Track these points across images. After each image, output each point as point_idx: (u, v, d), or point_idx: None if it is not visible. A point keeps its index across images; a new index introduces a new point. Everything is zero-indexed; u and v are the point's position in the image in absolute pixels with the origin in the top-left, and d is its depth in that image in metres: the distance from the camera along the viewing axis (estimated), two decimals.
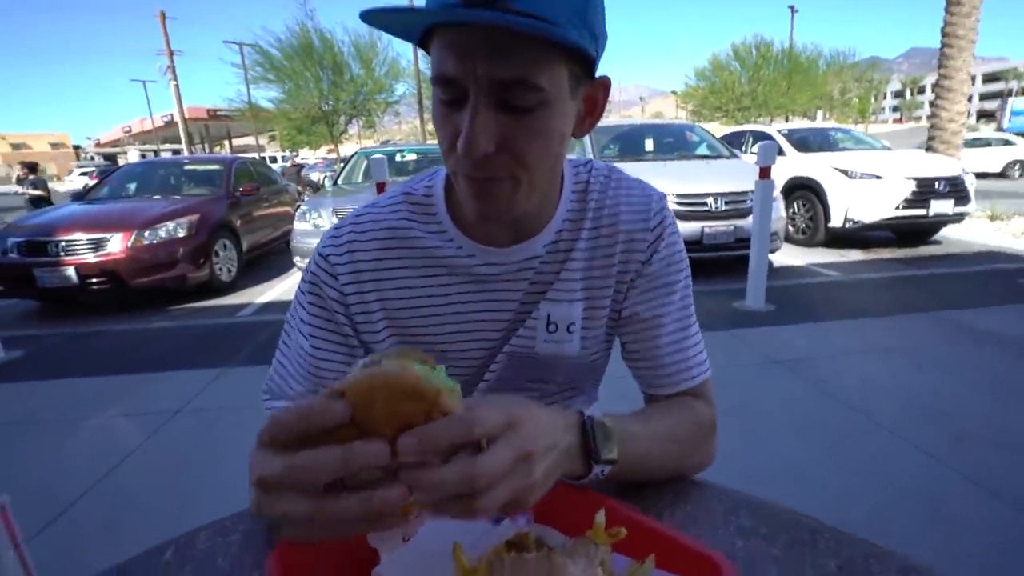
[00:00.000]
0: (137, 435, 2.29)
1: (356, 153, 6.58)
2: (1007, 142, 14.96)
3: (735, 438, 2.02)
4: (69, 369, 3.13)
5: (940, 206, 5.22)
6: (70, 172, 30.91)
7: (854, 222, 5.33)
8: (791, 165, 5.91)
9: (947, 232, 6.06)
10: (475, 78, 0.45)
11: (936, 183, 5.22)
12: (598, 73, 0.53)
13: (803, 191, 5.80)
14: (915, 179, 5.18)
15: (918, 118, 69.64)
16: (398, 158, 6.22)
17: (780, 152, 5.93)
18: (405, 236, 0.63)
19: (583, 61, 0.49)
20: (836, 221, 5.46)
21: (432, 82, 0.49)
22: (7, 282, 4.20)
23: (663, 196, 0.67)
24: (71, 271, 4.09)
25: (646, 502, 0.55)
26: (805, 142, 6.43)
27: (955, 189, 5.26)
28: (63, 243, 4.14)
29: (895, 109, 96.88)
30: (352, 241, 0.63)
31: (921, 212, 5.22)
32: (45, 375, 3.04)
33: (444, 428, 0.33)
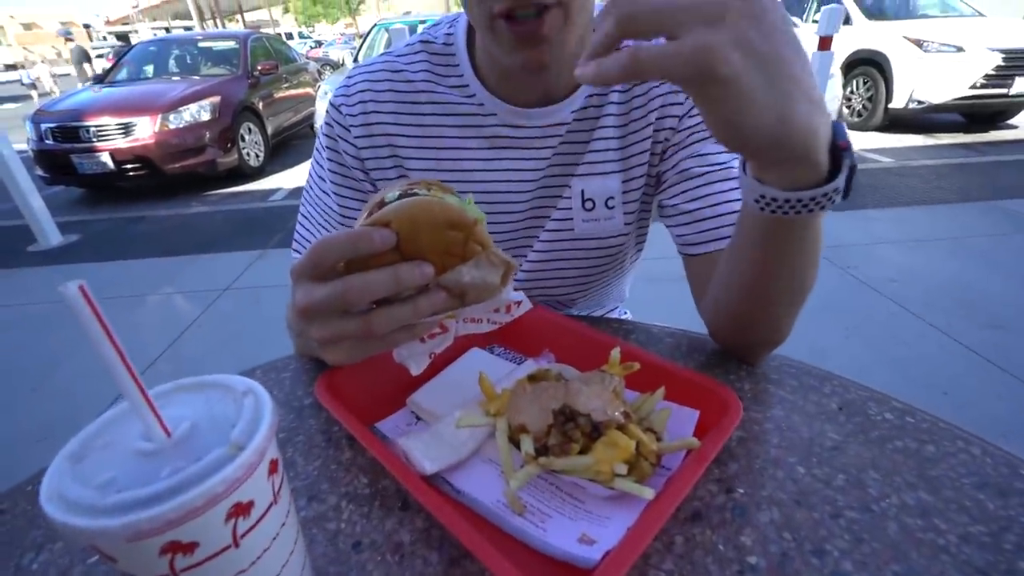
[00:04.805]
0: (194, 309, 2.50)
1: (375, 26, 6.13)
2: None
3: None
4: (122, 252, 3.32)
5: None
6: None
7: (919, 103, 4.82)
8: (857, 35, 5.24)
9: None
10: None
11: None
12: None
13: (865, 67, 5.19)
14: (1002, 51, 4.54)
15: None
16: (420, 30, 5.77)
17: (846, 20, 5.23)
18: (422, 90, 0.59)
19: None
20: (898, 101, 4.94)
21: None
22: (50, 169, 4.31)
23: None
24: (106, 157, 4.15)
25: (661, 352, 0.58)
26: (879, 7, 5.63)
27: None
28: (93, 128, 4.15)
29: None
30: (365, 91, 0.59)
31: (1000, 91, 4.65)
32: (102, 257, 3.24)
33: None
